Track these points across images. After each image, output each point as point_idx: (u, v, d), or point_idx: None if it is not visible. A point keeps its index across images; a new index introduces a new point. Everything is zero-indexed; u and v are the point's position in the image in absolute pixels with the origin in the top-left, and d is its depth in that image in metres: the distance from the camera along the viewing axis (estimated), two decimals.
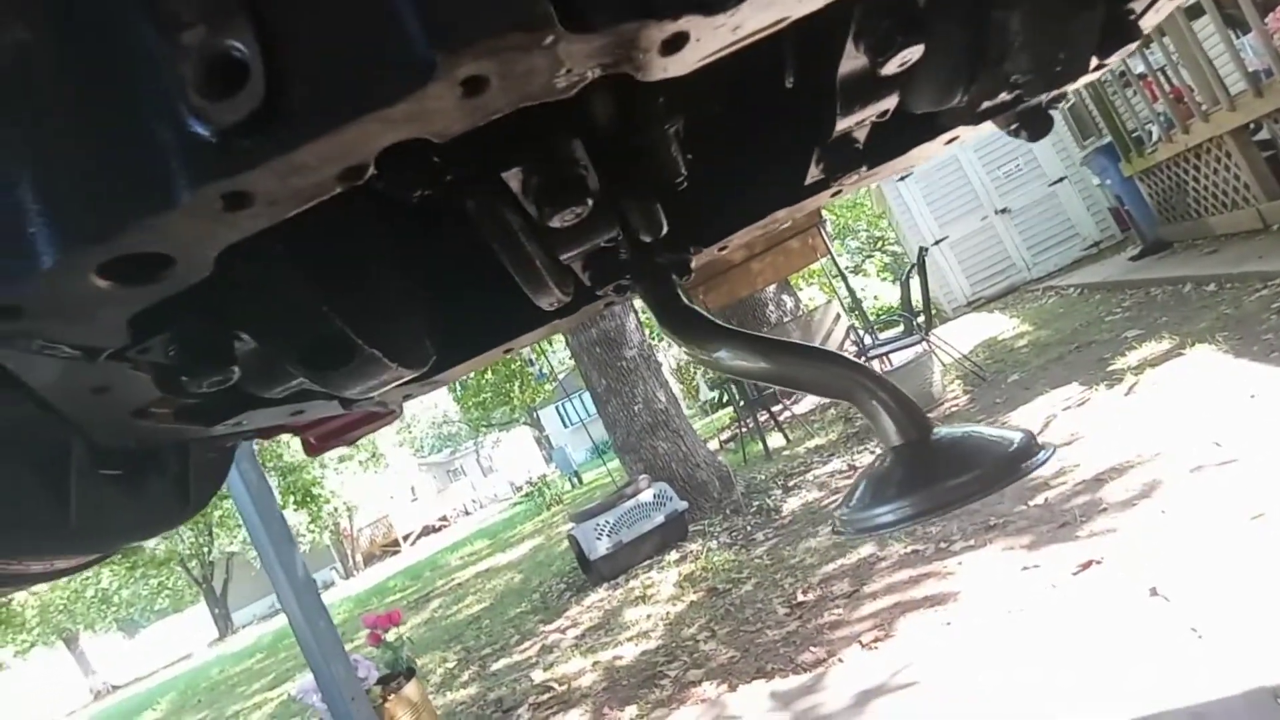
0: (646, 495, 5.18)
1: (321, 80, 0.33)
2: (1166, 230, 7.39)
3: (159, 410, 0.55)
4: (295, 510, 22.50)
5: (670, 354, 21.50)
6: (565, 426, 30.92)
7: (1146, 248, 7.54)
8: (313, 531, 24.12)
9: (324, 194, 0.38)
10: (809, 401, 9.46)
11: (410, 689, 3.27)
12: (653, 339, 17.43)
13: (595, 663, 3.62)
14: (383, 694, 3.16)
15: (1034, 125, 0.70)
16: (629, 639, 3.74)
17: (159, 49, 0.33)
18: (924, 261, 6.43)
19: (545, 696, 3.46)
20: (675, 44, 0.38)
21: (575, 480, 17.65)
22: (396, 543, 28.53)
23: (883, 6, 0.48)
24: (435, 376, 0.84)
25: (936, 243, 11.61)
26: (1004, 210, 11.61)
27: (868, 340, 8.57)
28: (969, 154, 11.61)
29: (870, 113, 0.63)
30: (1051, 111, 0.73)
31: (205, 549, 23.80)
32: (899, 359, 6.31)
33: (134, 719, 10.96)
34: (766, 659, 2.79)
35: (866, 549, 3.41)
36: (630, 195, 0.61)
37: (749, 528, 4.83)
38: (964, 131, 0.81)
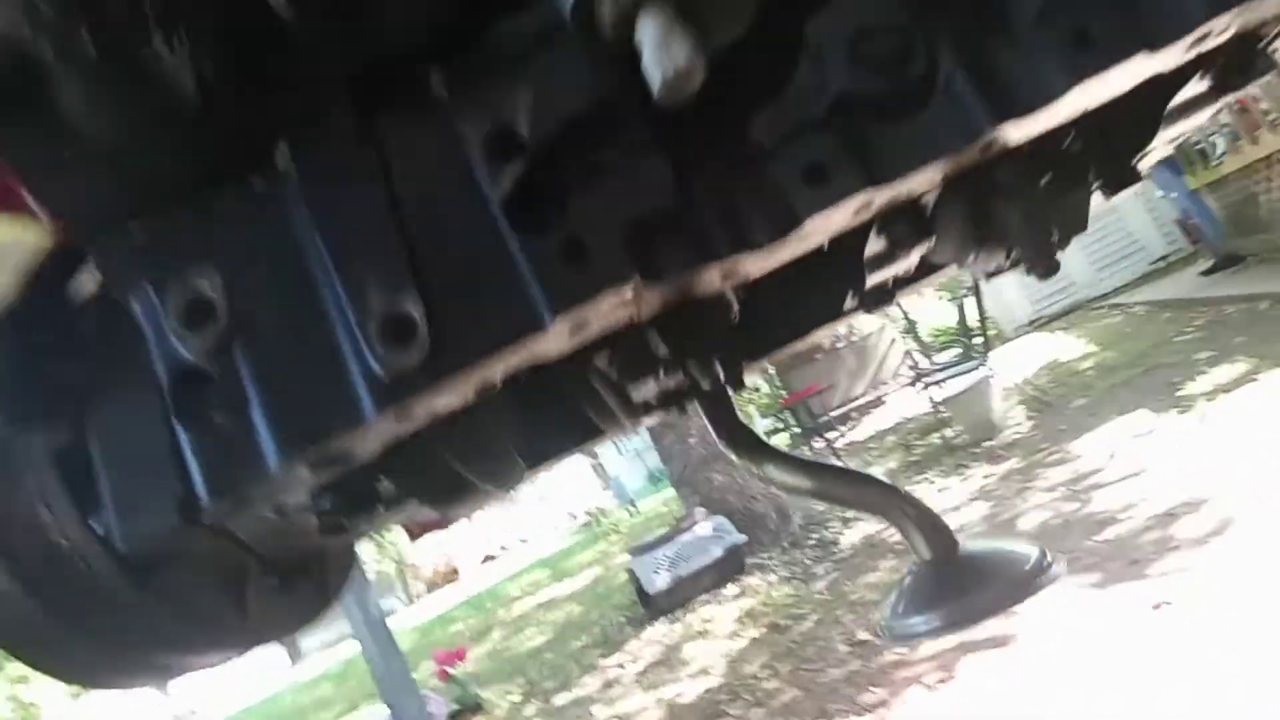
0: (704, 529, 5.20)
1: (466, 333, 0.44)
2: (1238, 243, 7.11)
3: (308, 531, 0.66)
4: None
5: None
6: (621, 455, 31.05)
7: (1218, 262, 7.25)
8: (378, 560, 24.70)
9: (463, 403, 0.49)
10: (867, 428, 9.33)
11: None
12: None
13: (658, 699, 3.66)
14: None
15: (1040, 267, 0.79)
16: (690, 675, 3.76)
17: (350, 309, 0.44)
18: (978, 283, 6.34)
19: None
20: (729, 274, 0.49)
21: (631, 509, 17.69)
22: (456, 571, 28.95)
23: (897, 212, 0.56)
24: (525, 476, 0.96)
25: None
26: None
27: (924, 364, 8.44)
28: None
29: (895, 272, 0.73)
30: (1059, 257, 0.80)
31: None
32: (957, 385, 6.21)
33: None
34: (829, 699, 2.79)
35: None
36: (692, 356, 0.71)
37: (808, 561, 4.80)
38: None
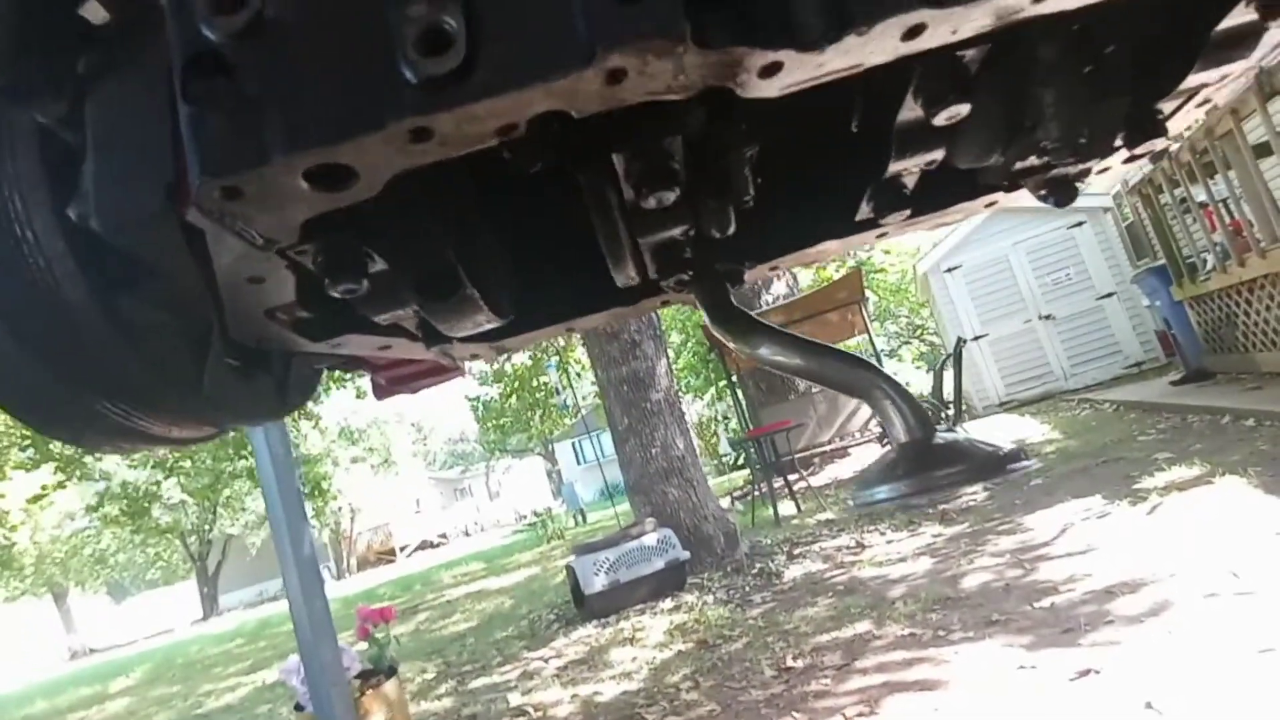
0: (650, 539, 5.17)
1: (506, 53, 0.43)
2: (1211, 360, 7.31)
3: (283, 316, 0.63)
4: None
5: (694, 408, 21.46)
6: (579, 463, 30.87)
7: (1189, 374, 7.45)
8: (314, 527, 24.20)
9: (482, 144, 0.47)
10: (826, 474, 9.38)
11: (389, 687, 3.27)
12: (681, 388, 17.43)
13: (574, 695, 3.59)
14: (362, 688, 3.17)
15: (1060, 193, 0.79)
16: (611, 677, 3.71)
17: (392, 14, 0.43)
18: (960, 353, 6.44)
19: None
20: (771, 70, 0.47)
21: (580, 518, 17.55)
22: (393, 552, 28.44)
23: (939, 68, 0.57)
24: (503, 340, 0.94)
25: (976, 338, 11.57)
26: (1048, 316, 11.55)
27: None
28: (1020, 255, 11.64)
29: (920, 160, 0.72)
30: (1078, 185, 0.81)
31: (207, 526, 23.97)
32: None
33: (104, 683, 10.95)
34: (747, 717, 2.76)
35: (863, 626, 3.37)
36: (709, 196, 0.70)
37: (748, 588, 4.78)
38: (1000, 197, 0.89)
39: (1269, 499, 3.33)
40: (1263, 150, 6.11)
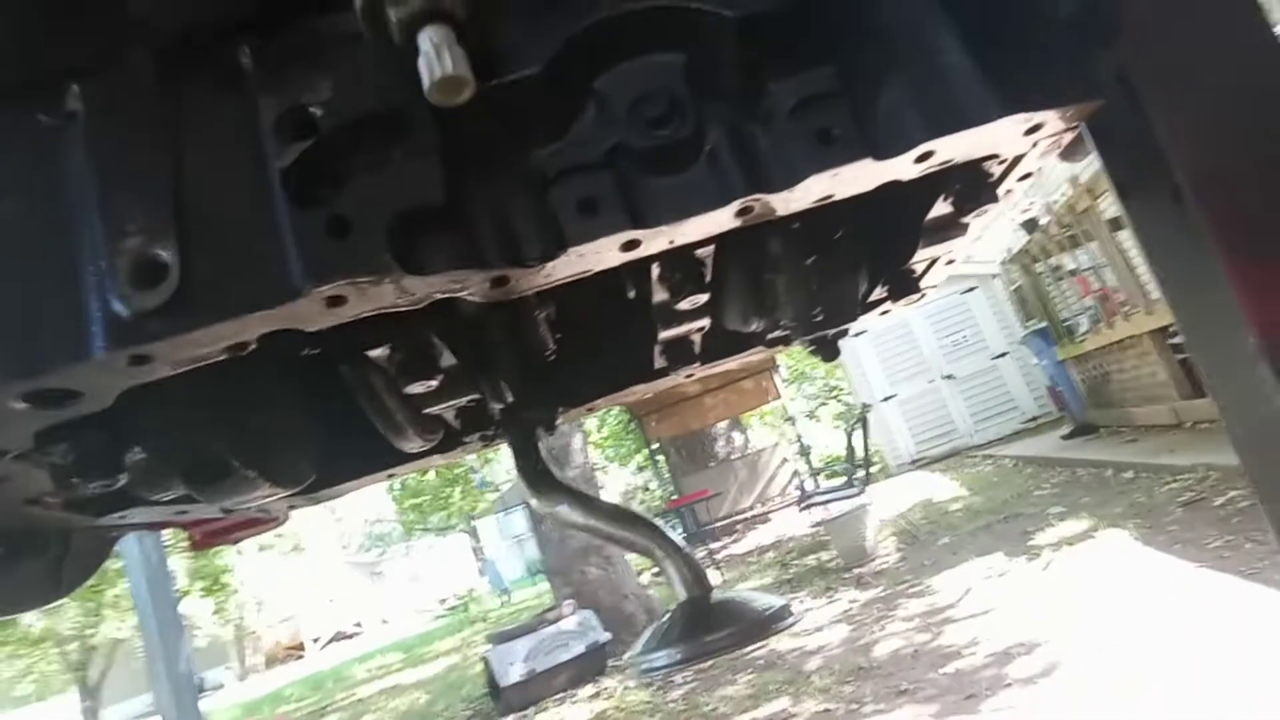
0: (570, 622, 5.01)
1: (218, 285, 0.44)
2: (1094, 414, 7.83)
3: (51, 500, 0.60)
4: (201, 597, 20.92)
5: (621, 478, 21.29)
6: (501, 538, 29.87)
7: (1076, 429, 7.94)
8: (216, 623, 22.33)
9: (213, 359, 0.47)
10: (749, 541, 9.40)
11: None
12: (602, 459, 17.28)
13: None
14: None
15: (824, 350, 0.88)
16: None
17: (105, 245, 0.43)
18: (865, 419, 6.68)
19: None
20: (500, 281, 0.50)
21: (505, 597, 16.89)
22: (302, 646, 26.49)
23: (675, 264, 0.63)
24: (317, 493, 0.91)
25: (885, 399, 12.03)
26: (950, 376, 12.17)
27: (809, 486, 8.68)
28: (921, 319, 12.28)
29: (686, 330, 0.78)
30: (839, 341, 0.90)
31: (90, 631, 21.74)
32: (837, 509, 6.39)
33: None
34: None
35: (781, 703, 3.33)
36: (482, 372, 0.73)
37: None
38: (764, 351, 0.99)
39: (1146, 550, 3.53)
40: (1118, 224, 6.75)
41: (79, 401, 0.47)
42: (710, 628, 0.79)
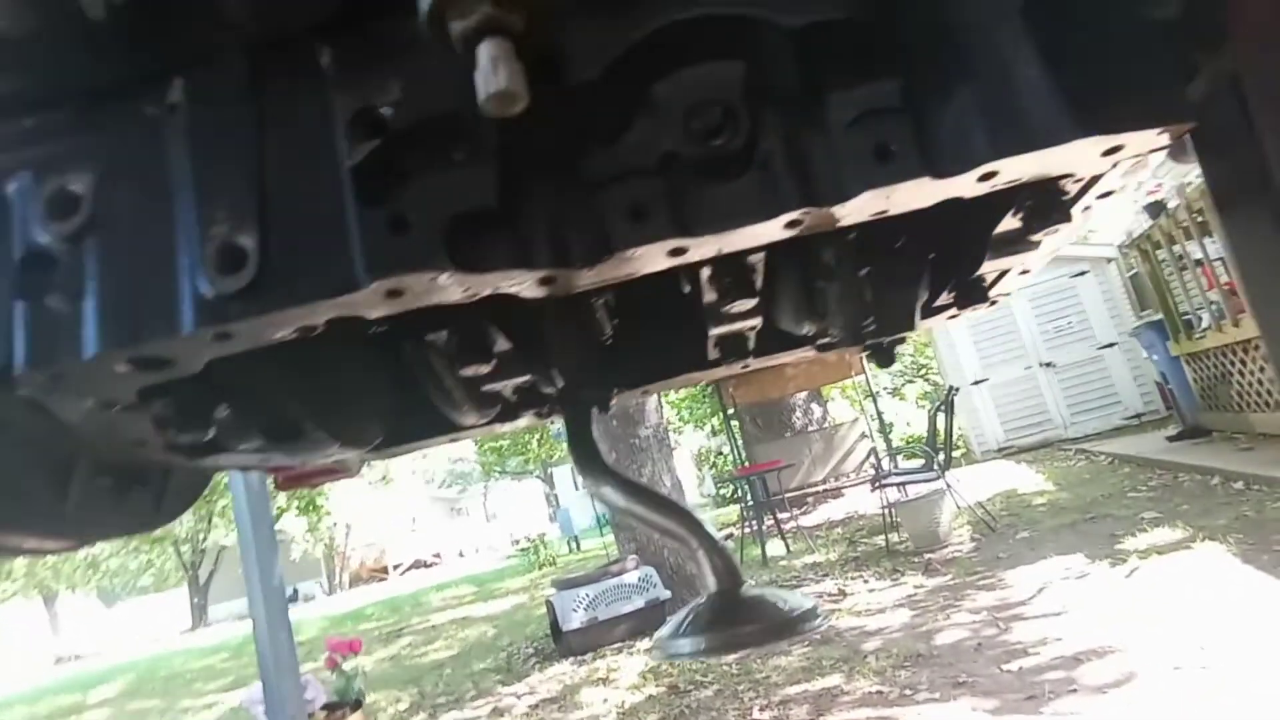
0: (631, 577, 5.14)
1: (289, 275, 0.48)
2: (1207, 417, 7.28)
3: (153, 443, 0.67)
4: (297, 515, 22.56)
5: (695, 440, 21.38)
6: (576, 489, 30.71)
7: (1185, 430, 7.41)
8: (308, 541, 24.08)
9: (289, 337, 0.52)
10: (818, 515, 9.32)
11: None
12: (678, 419, 17.37)
13: None
14: (325, 719, 3.16)
15: (877, 356, 0.86)
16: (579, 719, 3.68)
17: (197, 231, 0.49)
18: (952, 402, 6.43)
19: None
20: (547, 281, 0.52)
21: (574, 545, 17.43)
22: (386, 570, 28.26)
23: (725, 270, 0.64)
24: (387, 449, 0.98)
25: (976, 383, 11.53)
26: (1049, 364, 11.52)
27: (886, 465, 8.48)
28: (1022, 301, 11.63)
29: (738, 327, 0.79)
30: (896, 350, 0.87)
31: (201, 535, 23.88)
32: (914, 490, 6.23)
33: (85, 692, 10.88)
34: None
35: (833, 679, 3.34)
36: (537, 357, 0.76)
37: None
38: (810, 352, 0.98)
39: (1245, 568, 3.30)
40: None
41: (172, 367, 0.53)
42: (738, 622, 0.81)
